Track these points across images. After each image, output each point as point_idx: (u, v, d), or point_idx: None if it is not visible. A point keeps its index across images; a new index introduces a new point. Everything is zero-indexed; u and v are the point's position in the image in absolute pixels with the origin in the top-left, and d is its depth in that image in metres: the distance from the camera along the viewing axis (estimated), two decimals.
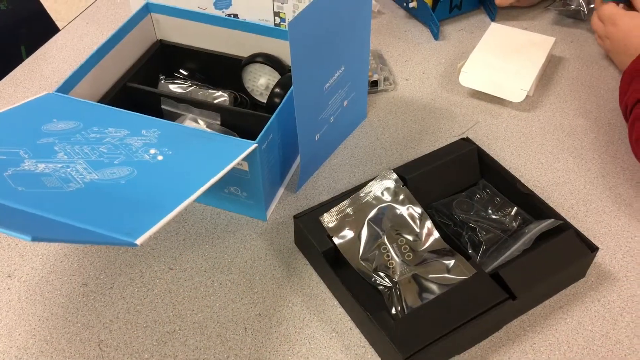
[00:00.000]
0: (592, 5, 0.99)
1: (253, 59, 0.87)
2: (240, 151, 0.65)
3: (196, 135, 0.68)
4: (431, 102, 0.94)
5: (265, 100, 0.88)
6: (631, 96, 0.81)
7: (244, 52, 0.89)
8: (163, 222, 0.50)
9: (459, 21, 1.10)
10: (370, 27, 0.80)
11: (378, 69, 0.96)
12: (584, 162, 0.83)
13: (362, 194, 0.72)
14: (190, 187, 0.56)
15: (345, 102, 0.83)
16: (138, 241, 0.47)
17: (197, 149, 0.65)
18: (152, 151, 0.62)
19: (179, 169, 0.60)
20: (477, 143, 0.81)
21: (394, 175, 0.73)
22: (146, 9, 0.90)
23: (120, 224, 0.49)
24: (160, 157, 0.61)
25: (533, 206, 0.72)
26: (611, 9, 0.94)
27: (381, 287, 0.66)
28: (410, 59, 1.02)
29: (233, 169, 0.71)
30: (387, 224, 0.70)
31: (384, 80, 0.96)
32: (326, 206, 0.72)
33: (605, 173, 0.81)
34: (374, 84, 0.95)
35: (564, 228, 0.69)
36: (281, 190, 0.81)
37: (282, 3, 0.92)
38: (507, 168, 0.80)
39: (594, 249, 0.67)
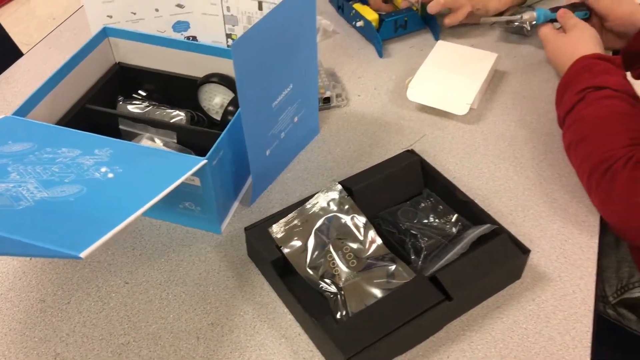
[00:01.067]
0: (534, 22, 1.04)
1: (208, 79, 0.90)
2: (189, 167, 0.68)
3: (147, 153, 0.72)
4: (382, 116, 0.98)
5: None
6: (563, 107, 0.87)
7: (199, 73, 0.92)
8: (108, 236, 0.53)
9: (409, 39, 1.15)
10: (316, 46, 0.84)
11: (331, 86, 1.00)
12: (523, 170, 0.88)
13: (309, 205, 0.76)
14: (138, 203, 0.59)
15: (296, 119, 0.86)
16: (82, 254, 0.50)
17: (147, 167, 0.68)
18: (103, 169, 0.65)
19: (129, 186, 0.63)
20: (424, 155, 0.85)
21: (339, 187, 0.77)
22: (104, 33, 0.93)
23: (66, 239, 0.52)
24: (110, 175, 0.64)
25: (472, 213, 0.77)
26: (544, 30, 1.01)
27: (327, 293, 0.69)
28: (362, 75, 1.07)
29: (186, 185, 0.74)
30: (333, 233, 0.73)
31: (337, 96, 1.00)
32: (275, 218, 0.75)
33: (542, 180, 0.86)
34: (327, 100, 0.99)
35: (498, 232, 0.73)
36: (236, 204, 0.84)
37: (234, 25, 0.96)
38: (452, 178, 0.84)
39: (525, 251, 0.71)
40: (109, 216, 0.56)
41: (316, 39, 0.83)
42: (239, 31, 0.98)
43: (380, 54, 1.10)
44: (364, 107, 1.00)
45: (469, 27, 1.16)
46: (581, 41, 0.92)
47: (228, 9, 0.97)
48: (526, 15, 1.04)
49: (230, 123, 0.77)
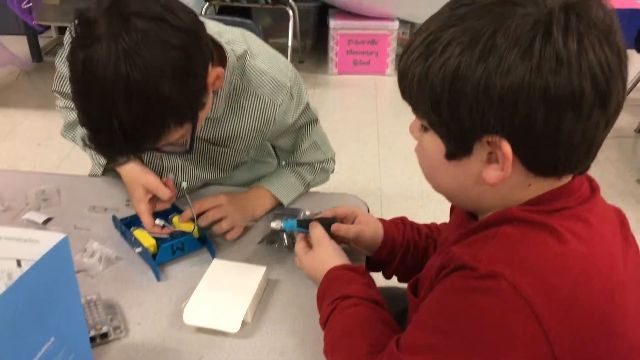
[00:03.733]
0: (294, 240, 1.18)
1: None
2: None
3: None
4: (161, 343, 1.01)
5: None
6: (322, 318, 0.98)
7: None
8: None
9: (191, 258, 1.23)
10: (78, 295, 0.87)
11: (108, 320, 1.03)
12: None
13: None
14: None
15: None
16: None
17: None
18: None
19: None
20: None
21: None
22: None
23: None
24: None
25: None
26: (296, 249, 1.14)
27: None
28: (144, 301, 1.11)
29: None
30: None
31: (114, 329, 1.02)
32: None
33: None
34: (104, 335, 1.00)
35: None
36: None
37: None
38: None
39: None
40: None
41: (78, 289, 0.87)
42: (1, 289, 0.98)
43: (158, 278, 1.16)
44: (143, 335, 1.03)
45: (240, 245, 1.27)
46: (327, 255, 1.07)
47: None
48: (273, 224, 1.17)
49: None
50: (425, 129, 0.80)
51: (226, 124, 1.30)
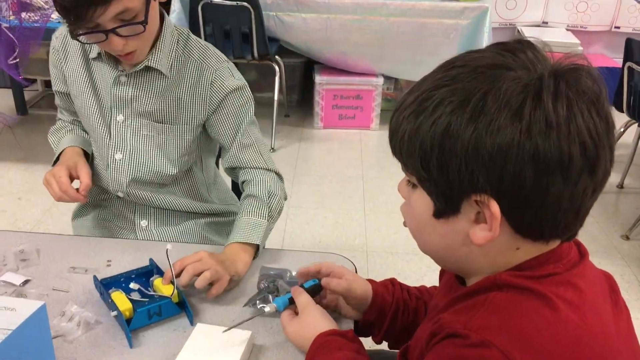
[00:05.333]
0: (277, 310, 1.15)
1: None
2: None
3: None
4: None
5: None
6: None
7: None
8: None
9: (172, 321, 1.19)
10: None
11: None
12: None
13: None
14: None
15: None
16: None
17: None
18: None
19: None
20: None
21: None
22: None
23: None
24: None
25: None
26: (281, 318, 1.11)
27: None
28: None
29: None
30: None
31: None
32: None
33: None
34: None
35: None
36: None
37: None
38: None
39: None
40: None
41: (54, 357, 0.83)
42: None
43: (130, 345, 1.11)
44: None
45: (222, 307, 1.24)
46: (315, 321, 1.04)
47: None
48: (267, 308, 1.13)
49: None
50: (414, 187, 0.80)
51: (169, 96, 1.45)
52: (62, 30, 1.49)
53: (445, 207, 0.76)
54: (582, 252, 0.82)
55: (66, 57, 1.50)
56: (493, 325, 0.72)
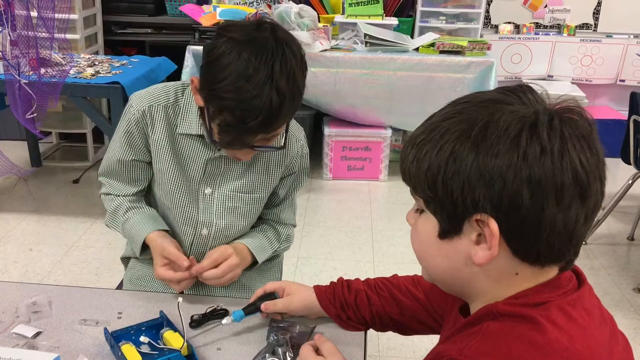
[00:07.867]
0: (291, 355, 1.16)
1: None
2: None
3: None
4: None
5: None
6: None
7: None
8: None
9: None
10: None
11: None
12: None
13: None
14: None
15: None
16: None
17: None
18: None
19: None
20: None
21: None
22: None
23: None
24: None
25: None
26: (303, 351, 1.13)
27: None
28: None
29: None
30: None
31: None
32: None
33: None
34: None
35: None
36: None
37: None
38: None
39: None
40: None
41: None
42: None
43: None
44: None
45: (238, 358, 1.24)
46: None
47: None
48: (224, 320, 1.24)
49: None
50: (420, 212, 0.87)
51: (257, 163, 1.49)
52: (143, 105, 1.43)
53: (450, 226, 0.82)
54: (581, 281, 0.87)
55: (153, 127, 1.44)
56: (486, 351, 0.78)
